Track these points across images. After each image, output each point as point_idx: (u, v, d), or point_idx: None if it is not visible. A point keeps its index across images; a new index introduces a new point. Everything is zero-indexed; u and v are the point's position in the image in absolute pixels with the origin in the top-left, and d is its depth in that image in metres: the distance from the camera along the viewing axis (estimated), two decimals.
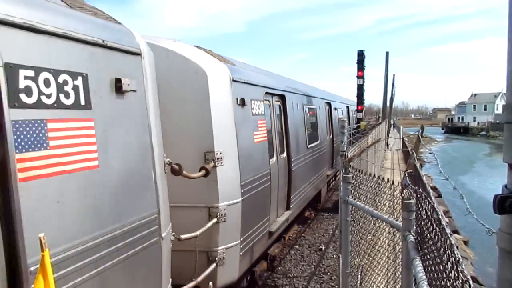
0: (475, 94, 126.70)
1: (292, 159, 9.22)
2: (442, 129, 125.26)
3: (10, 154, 2.39)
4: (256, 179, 6.87)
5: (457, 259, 1.72)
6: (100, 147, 3.13)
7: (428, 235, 2.42)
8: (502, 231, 1.35)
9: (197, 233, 5.07)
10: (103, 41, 3.24)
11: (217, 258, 5.83)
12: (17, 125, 2.48)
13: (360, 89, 24.41)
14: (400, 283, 3.53)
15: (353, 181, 5.29)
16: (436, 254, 2.21)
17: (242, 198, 6.18)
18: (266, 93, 8.06)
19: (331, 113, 16.19)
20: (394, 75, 46.75)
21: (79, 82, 2.96)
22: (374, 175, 5.19)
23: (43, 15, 2.77)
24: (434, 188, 20.92)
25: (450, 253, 1.90)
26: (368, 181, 4.93)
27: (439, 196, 21.10)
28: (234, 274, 6.28)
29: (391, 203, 4.45)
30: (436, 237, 2.21)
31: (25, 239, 2.43)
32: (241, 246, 6.32)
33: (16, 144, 2.46)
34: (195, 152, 5.67)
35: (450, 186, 3.59)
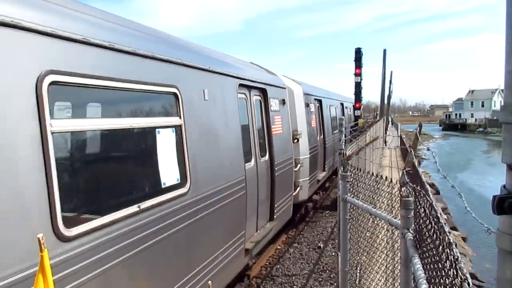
0: (473, 91, 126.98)
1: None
2: (440, 125, 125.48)
3: None
4: (313, 147, 12.34)
5: (456, 256, 1.72)
6: (284, 125, 9.04)
7: (427, 233, 2.42)
8: (501, 231, 1.35)
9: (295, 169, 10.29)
10: (274, 84, 8.82)
11: (299, 185, 10.95)
12: None
13: (358, 86, 24.39)
14: (398, 281, 3.53)
15: (351, 179, 5.29)
16: (434, 251, 2.21)
17: (309, 155, 11.65)
18: (315, 99, 13.78)
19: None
20: (391, 72, 46.92)
21: (281, 102, 9.29)
22: (373, 173, 5.20)
23: (258, 75, 7.76)
24: (432, 185, 20.95)
25: (449, 251, 1.90)
26: (367, 179, 4.94)
27: (437, 193, 21.13)
28: (305, 196, 11.62)
29: (390, 201, 4.46)
30: (435, 234, 2.21)
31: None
32: (308, 181, 11.63)
33: None
34: (290, 131, 10.00)
35: (448, 183, 3.59)
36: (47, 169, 2.81)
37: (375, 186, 4.71)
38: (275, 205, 8.43)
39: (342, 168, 5.44)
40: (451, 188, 3.52)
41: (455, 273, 1.73)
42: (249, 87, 7.55)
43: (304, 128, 11.34)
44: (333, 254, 9.53)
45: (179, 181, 4.59)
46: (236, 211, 6.26)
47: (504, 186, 1.36)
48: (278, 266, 9.14)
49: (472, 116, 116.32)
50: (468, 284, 1.51)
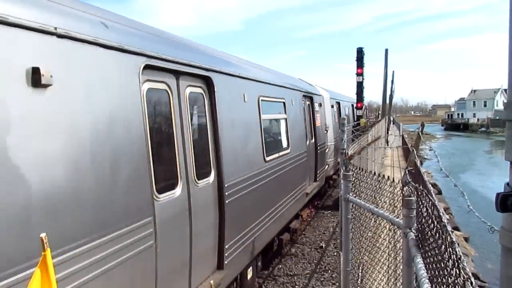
0: (475, 90, 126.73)
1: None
2: (442, 125, 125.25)
3: None
4: (336, 137, 15.65)
5: (459, 256, 1.71)
6: (321, 120, 13.70)
7: (429, 232, 2.42)
8: (505, 229, 1.35)
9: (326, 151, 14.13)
10: (316, 93, 13.60)
11: (327, 164, 14.57)
12: None
13: (360, 86, 24.42)
14: (400, 281, 3.53)
15: (353, 179, 5.28)
16: (437, 251, 2.21)
17: (334, 142, 15.68)
18: (336, 101, 18.50)
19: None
20: (393, 72, 46.76)
21: (319, 105, 13.98)
22: (374, 172, 5.19)
23: (309, 87, 13.45)
24: (434, 185, 20.91)
25: (451, 250, 1.89)
26: (369, 179, 4.93)
27: (439, 193, 21.11)
28: (331, 172, 15.75)
29: (392, 201, 4.45)
30: (437, 234, 2.20)
31: None
32: (333, 162, 15.57)
33: None
34: (323, 124, 13.96)
35: (450, 183, 3.58)
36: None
37: (377, 186, 4.70)
38: (318, 172, 12.70)
39: (344, 167, 5.43)
40: (453, 188, 3.53)
41: (457, 272, 1.73)
42: (306, 97, 11.95)
43: (330, 123, 15.70)
44: (335, 254, 9.52)
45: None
46: (303, 169, 10.66)
47: (507, 184, 1.36)
48: (280, 266, 9.14)
49: (474, 116, 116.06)
50: (471, 283, 1.51)
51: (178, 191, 4.51)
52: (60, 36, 3.00)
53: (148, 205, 3.85)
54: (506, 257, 1.36)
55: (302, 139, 10.69)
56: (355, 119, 24.50)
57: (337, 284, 7.94)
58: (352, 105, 24.40)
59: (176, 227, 4.47)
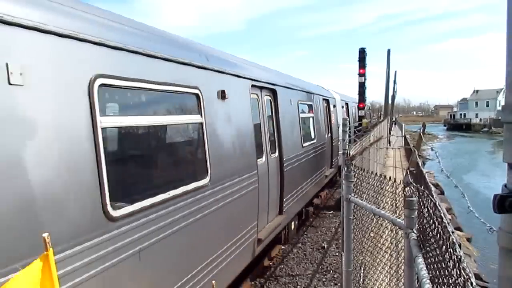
0: (477, 91, 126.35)
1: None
2: (444, 125, 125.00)
3: None
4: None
5: (459, 256, 1.72)
6: (335, 119, 16.90)
7: (430, 232, 2.42)
8: (503, 230, 1.36)
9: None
10: (331, 96, 16.64)
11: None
12: None
13: (362, 86, 24.39)
14: (402, 281, 3.53)
15: (355, 179, 5.28)
16: (438, 251, 2.22)
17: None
18: (345, 102, 20.92)
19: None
20: (395, 72, 46.75)
21: (333, 105, 17.10)
22: (376, 173, 5.19)
23: (325, 93, 16.32)
24: (436, 185, 20.87)
25: (452, 251, 1.90)
26: (370, 179, 4.93)
27: (442, 193, 21.04)
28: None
29: (393, 201, 4.46)
30: (438, 234, 2.21)
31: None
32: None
33: None
34: (336, 122, 16.48)
35: (453, 183, 3.58)
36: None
37: (379, 186, 4.71)
38: (333, 160, 15.55)
39: (345, 168, 5.44)
40: (456, 188, 3.52)
41: (458, 272, 1.74)
42: (324, 100, 14.75)
43: (341, 120, 18.01)
44: (337, 254, 9.52)
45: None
46: (323, 156, 13.57)
47: (505, 185, 1.37)
48: (282, 266, 9.14)
49: (476, 116, 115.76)
50: (471, 284, 1.52)
51: (264, 158, 7.59)
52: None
53: (254, 163, 6.81)
54: (505, 258, 1.37)
55: (323, 133, 13.90)
56: (358, 119, 24.49)
57: (339, 284, 7.94)
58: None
59: (264, 179, 7.45)
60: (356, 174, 5.34)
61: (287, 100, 9.42)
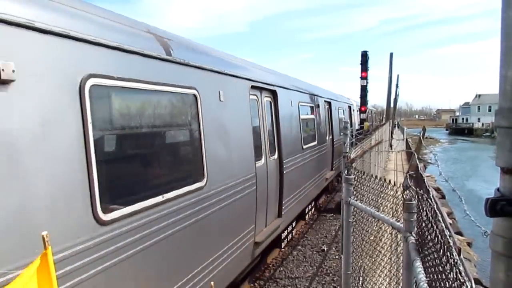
0: (480, 95, 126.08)
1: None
2: (446, 130, 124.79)
3: None
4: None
5: (456, 260, 1.72)
6: (353, 120, 22.46)
7: (429, 236, 2.43)
8: (495, 234, 1.37)
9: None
10: (348, 103, 21.72)
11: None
12: None
13: (364, 90, 24.34)
14: (401, 284, 3.53)
15: (355, 183, 5.28)
16: (436, 255, 2.22)
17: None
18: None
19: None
20: (398, 76, 46.71)
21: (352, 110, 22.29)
22: (376, 176, 5.19)
23: (346, 100, 21.82)
24: (438, 189, 20.82)
25: (449, 255, 1.91)
26: (370, 182, 4.93)
27: (443, 197, 20.99)
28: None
29: (394, 205, 4.45)
30: (436, 238, 2.21)
31: None
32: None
33: None
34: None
35: (456, 187, 3.57)
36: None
37: (379, 190, 4.70)
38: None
39: (346, 171, 5.43)
40: (455, 192, 3.51)
41: (455, 277, 1.74)
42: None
43: (357, 122, 22.93)
44: (337, 257, 9.50)
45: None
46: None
47: (498, 189, 1.38)
48: (282, 269, 9.14)
49: (479, 121, 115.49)
50: (467, 287, 1.52)
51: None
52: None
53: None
54: (496, 261, 1.38)
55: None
56: (360, 122, 24.48)
57: (338, 287, 7.93)
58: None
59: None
60: (356, 177, 5.34)
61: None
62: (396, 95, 43.70)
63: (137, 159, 4.17)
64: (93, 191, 3.18)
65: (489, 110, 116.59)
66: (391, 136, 33.21)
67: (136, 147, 4.20)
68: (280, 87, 8.81)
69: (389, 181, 4.56)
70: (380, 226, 4.94)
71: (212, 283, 4.83)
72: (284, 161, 8.54)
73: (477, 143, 79.26)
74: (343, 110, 19.22)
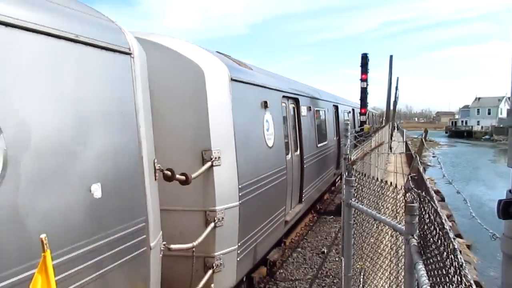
0: (479, 98, 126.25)
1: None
2: (446, 132, 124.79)
3: None
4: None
5: (460, 263, 1.71)
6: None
7: (431, 239, 2.41)
8: (506, 236, 1.34)
9: None
10: (353, 106, 24.16)
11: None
12: None
13: (364, 92, 24.30)
14: (402, 287, 3.51)
15: (356, 184, 5.27)
16: (439, 258, 2.20)
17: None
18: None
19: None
20: (398, 78, 46.77)
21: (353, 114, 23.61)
22: (377, 178, 5.18)
23: (352, 104, 24.12)
24: (437, 192, 20.81)
25: (453, 257, 1.89)
26: (371, 184, 4.91)
27: (442, 199, 20.98)
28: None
29: (394, 207, 4.44)
30: (439, 241, 2.20)
31: None
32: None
33: None
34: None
35: (453, 190, 3.56)
36: None
37: (380, 192, 4.69)
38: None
39: (346, 173, 5.42)
40: (456, 195, 3.50)
41: (459, 279, 1.73)
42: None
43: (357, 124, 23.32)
44: (337, 259, 9.49)
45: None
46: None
47: (509, 191, 1.35)
48: (282, 271, 9.11)
49: (478, 124, 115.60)
50: None
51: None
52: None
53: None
54: (508, 264, 1.36)
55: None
56: (360, 125, 24.46)
57: None
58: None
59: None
60: (357, 179, 5.32)
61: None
62: (396, 98, 43.69)
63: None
64: None
65: (489, 113, 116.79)
66: (391, 139, 33.19)
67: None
68: (301, 95, 10.84)
69: (390, 183, 4.55)
70: (381, 228, 4.93)
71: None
72: (304, 157, 10.42)
73: (476, 146, 79.22)
74: (348, 113, 20.89)
